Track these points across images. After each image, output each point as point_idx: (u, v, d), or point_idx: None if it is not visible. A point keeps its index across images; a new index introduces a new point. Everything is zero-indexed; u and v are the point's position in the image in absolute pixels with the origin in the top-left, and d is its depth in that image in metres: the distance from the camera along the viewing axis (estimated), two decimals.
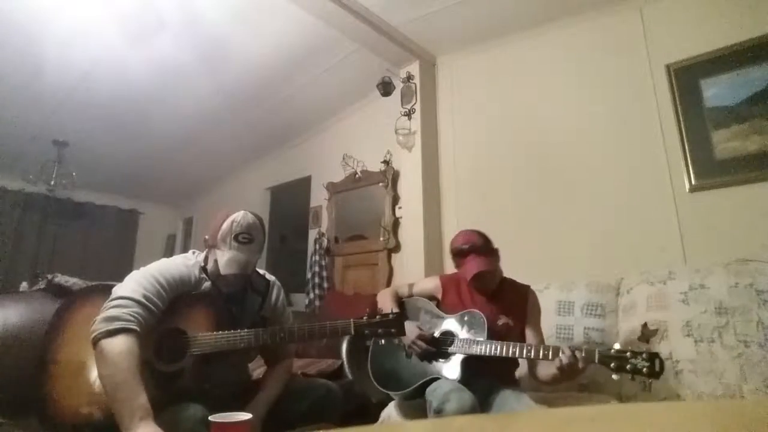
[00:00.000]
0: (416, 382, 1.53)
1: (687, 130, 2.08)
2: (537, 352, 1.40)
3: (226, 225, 1.32)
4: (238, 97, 3.57)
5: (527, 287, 1.74)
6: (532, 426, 0.67)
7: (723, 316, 1.56)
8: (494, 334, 1.51)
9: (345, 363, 2.19)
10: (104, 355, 1.07)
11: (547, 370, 1.48)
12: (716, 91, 2.04)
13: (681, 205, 2.05)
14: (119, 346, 1.08)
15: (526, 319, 1.66)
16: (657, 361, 1.21)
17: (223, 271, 1.28)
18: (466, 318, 1.59)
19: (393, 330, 1.32)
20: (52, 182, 4.30)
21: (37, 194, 4.82)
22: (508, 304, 1.65)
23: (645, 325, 1.67)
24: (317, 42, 2.90)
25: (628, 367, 1.22)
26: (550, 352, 1.37)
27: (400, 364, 1.63)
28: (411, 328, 1.57)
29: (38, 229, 5.04)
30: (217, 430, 0.87)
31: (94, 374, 1.15)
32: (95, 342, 1.09)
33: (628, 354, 1.24)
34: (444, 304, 1.70)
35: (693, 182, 2.03)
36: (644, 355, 1.22)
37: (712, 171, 2.00)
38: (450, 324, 1.62)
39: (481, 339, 1.50)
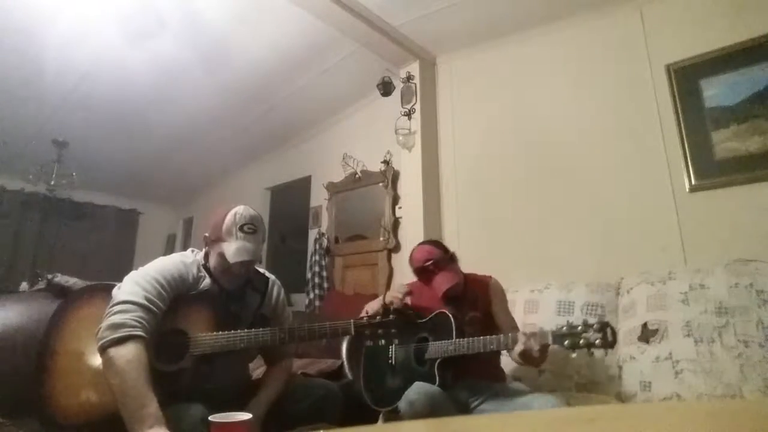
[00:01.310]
0: (400, 394, 1.52)
1: (687, 130, 2.08)
2: (499, 343, 1.41)
3: (229, 217, 1.32)
4: (238, 97, 3.57)
5: (488, 278, 1.77)
6: (532, 426, 0.67)
7: (723, 316, 1.56)
8: (465, 331, 1.52)
9: (345, 363, 2.19)
10: (113, 364, 1.07)
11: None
12: (716, 91, 2.04)
13: (681, 205, 2.05)
14: (128, 354, 1.08)
15: (491, 308, 1.69)
16: (608, 330, 1.20)
17: (232, 259, 1.27)
18: (434, 321, 1.61)
19: (393, 330, 1.32)
20: (52, 182, 4.30)
21: (37, 194, 4.82)
22: (474, 298, 1.68)
23: (645, 325, 1.67)
24: (317, 42, 2.89)
25: (581, 342, 1.21)
26: (510, 341, 1.37)
27: (388, 378, 1.63)
28: (375, 303, 1.61)
29: (38, 229, 5.04)
30: (217, 430, 0.87)
31: (94, 373, 1.15)
32: (103, 350, 1.09)
33: (580, 328, 1.23)
34: (416, 309, 1.71)
35: (693, 182, 2.03)
36: (595, 326, 1.21)
37: (712, 171, 2.00)
38: (423, 329, 1.63)
39: (450, 340, 1.50)
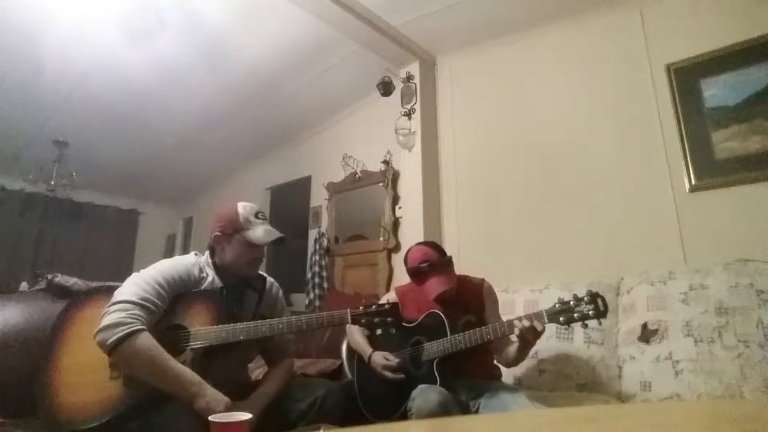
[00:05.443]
0: (399, 404, 1.50)
1: (687, 130, 2.08)
2: (495, 331, 1.43)
3: (241, 209, 1.40)
4: (238, 97, 3.57)
5: (482, 281, 1.76)
6: (531, 426, 0.67)
7: (723, 316, 1.56)
8: (459, 332, 1.52)
9: (345, 363, 2.19)
10: (133, 357, 1.11)
11: (509, 347, 1.53)
12: (716, 91, 2.04)
13: (681, 205, 2.05)
14: (142, 344, 1.12)
15: (484, 312, 1.68)
16: (599, 300, 1.26)
17: (264, 240, 1.35)
18: (425, 323, 1.61)
19: (389, 319, 1.33)
20: (52, 182, 4.29)
21: (37, 194, 4.81)
22: (467, 302, 1.66)
23: (645, 325, 1.66)
24: (317, 42, 2.89)
25: (576, 315, 1.26)
26: (506, 327, 1.41)
27: (383, 386, 1.60)
28: (377, 358, 1.60)
29: (38, 229, 5.04)
30: (217, 430, 0.87)
31: (97, 374, 1.16)
32: (112, 350, 1.11)
33: (572, 303, 1.29)
34: (406, 315, 1.68)
35: (693, 182, 2.03)
36: (585, 299, 1.26)
37: (712, 171, 2.00)
38: (414, 333, 1.62)
39: (444, 338, 1.51)
